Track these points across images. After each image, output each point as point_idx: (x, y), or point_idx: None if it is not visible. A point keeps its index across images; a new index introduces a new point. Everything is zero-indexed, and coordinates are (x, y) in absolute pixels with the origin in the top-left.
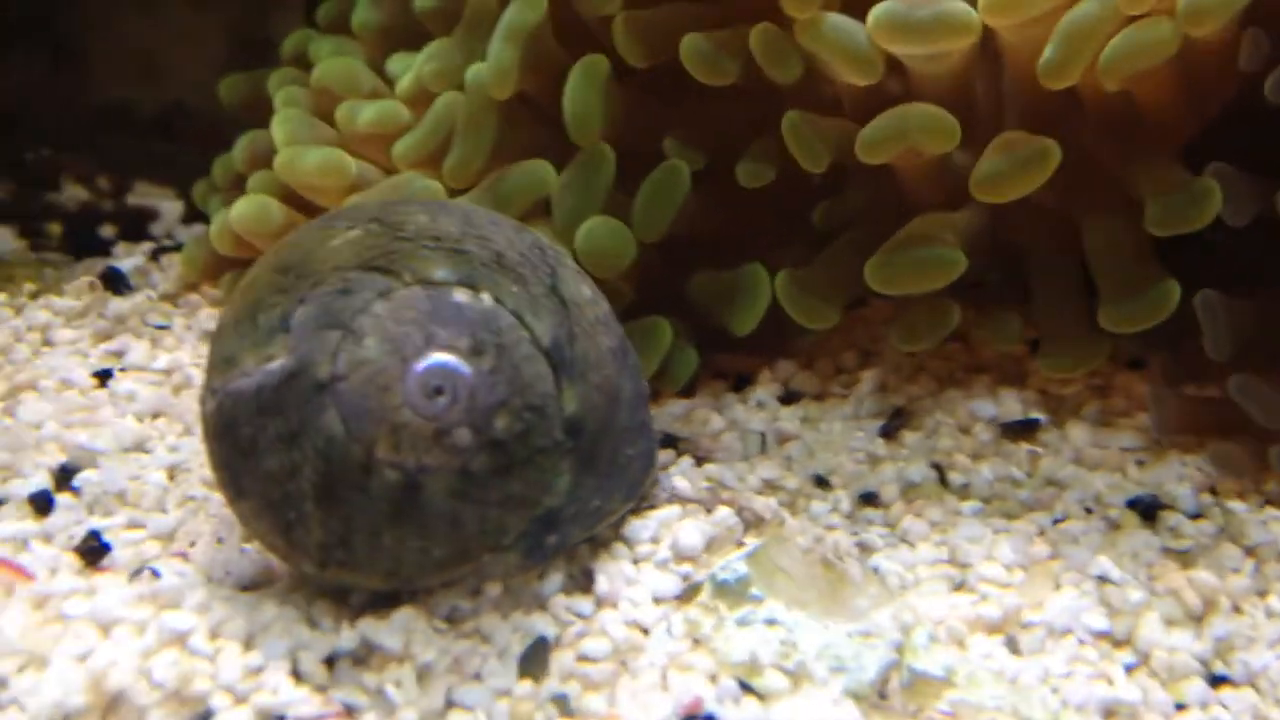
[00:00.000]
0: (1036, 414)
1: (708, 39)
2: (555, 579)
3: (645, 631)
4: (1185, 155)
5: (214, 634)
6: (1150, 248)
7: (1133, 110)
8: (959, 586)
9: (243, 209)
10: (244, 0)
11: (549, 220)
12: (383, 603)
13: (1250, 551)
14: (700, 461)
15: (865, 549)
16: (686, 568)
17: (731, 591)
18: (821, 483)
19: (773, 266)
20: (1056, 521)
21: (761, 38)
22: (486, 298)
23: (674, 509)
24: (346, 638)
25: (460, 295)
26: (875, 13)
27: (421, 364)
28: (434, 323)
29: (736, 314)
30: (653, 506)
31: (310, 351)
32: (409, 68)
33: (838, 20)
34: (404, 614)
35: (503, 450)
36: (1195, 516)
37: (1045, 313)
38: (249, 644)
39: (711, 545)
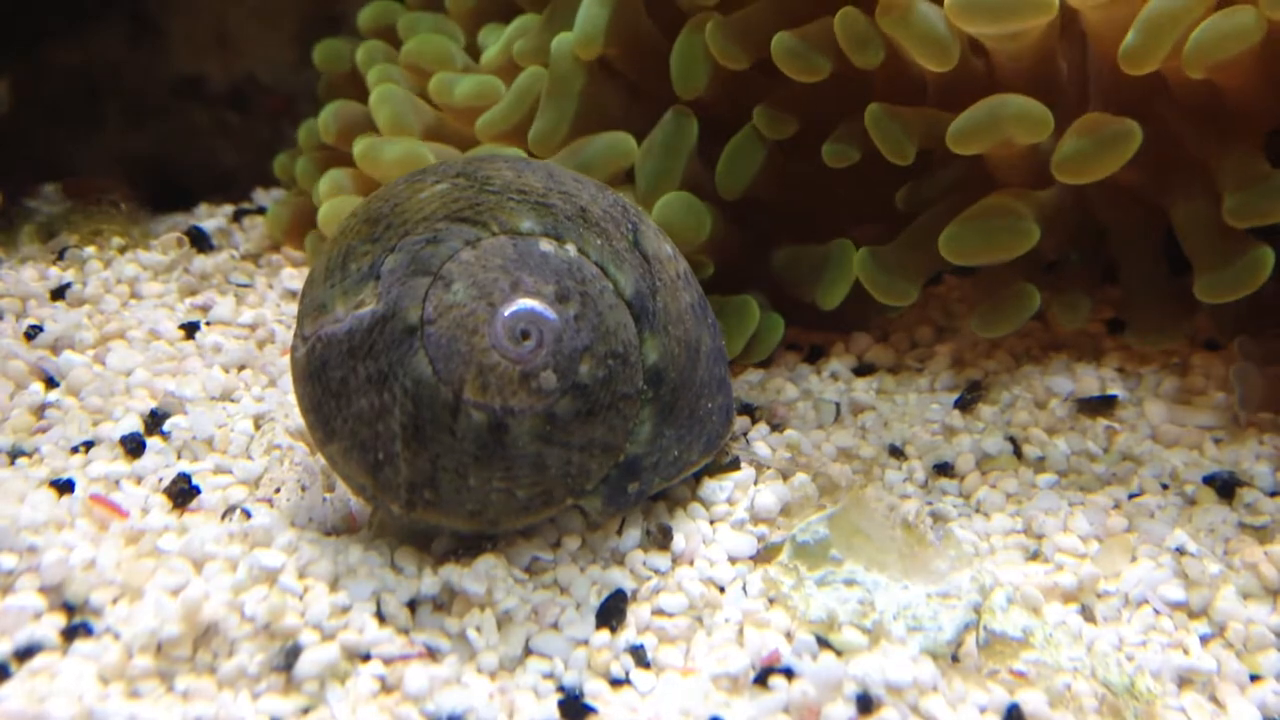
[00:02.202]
0: (1114, 390)
1: (797, 36)
2: (633, 535)
3: (721, 589)
4: (1268, 141)
5: (302, 573)
6: None
7: (1216, 96)
8: (1034, 556)
9: (330, 208)
10: None
11: (630, 188)
12: (465, 551)
13: None
14: (775, 428)
15: (939, 518)
16: (763, 529)
17: (811, 552)
18: (896, 452)
19: (855, 242)
20: (1132, 496)
21: (844, 23)
22: (571, 249)
23: (750, 471)
24: (429, 583)
25: (546, 245)
26: None
27: (509, 308)
28: (521, 270)
29: (824, 288)
30: (731, 468)
31: (400, 297)
32: (498, 39)
33: (919, 6)
34: (485, 562)
35: (586, 395)
36: (1273, 494)
37: (1130, 289)
38: (335, 585)
39: (787, 509)
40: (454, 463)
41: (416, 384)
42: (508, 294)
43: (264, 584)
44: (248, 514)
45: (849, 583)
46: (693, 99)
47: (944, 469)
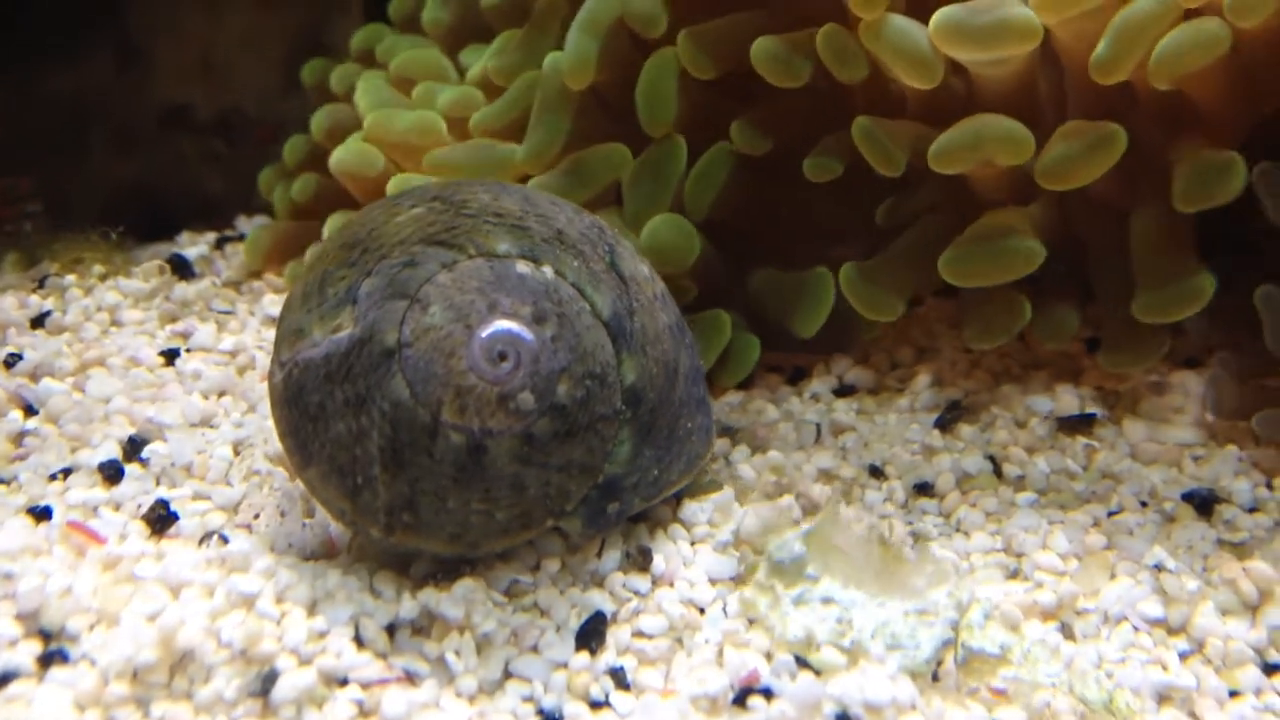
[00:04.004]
0: (1093, 409)
1: (779, 41)
2: (613, 557)
3: (701, 610)
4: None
5: (280, 598)
6: (1190, 241)
7: (1186, 107)
8: (1014, 574)
9: (344, 152)
10: (307, 3)
11: (619, 210)
12: (443, 575)
13: None
14: (757, 450)
15: (920, 537)
16: (743, 550)
17: (787, 570)
18: (876, 473)
19: (834, 261)
20: (1112, 514)
21: (827, 39)
22: (548, 270)
23: (730, 492)
24: (408, 607)
25: (523, 267)
26: (937, 17)
27: (486, 330)
28: (497, 291)
29: (801, 316)
30: (711, 489)
31: (377, 320)
32: (480, 59)
33: (901, 23)
34: (464, 586)
35: (565, 415)
36: (1251, 510)
37: (1105, 308)
38: (313, 609)
39: (768, 529)
40: (433, 485)
41: (394, 407)
42: (485, 316)
43: (241, 609)
44: (225, 539)
45: (826, 600)
46: (663, 133)
47: (924, 489)
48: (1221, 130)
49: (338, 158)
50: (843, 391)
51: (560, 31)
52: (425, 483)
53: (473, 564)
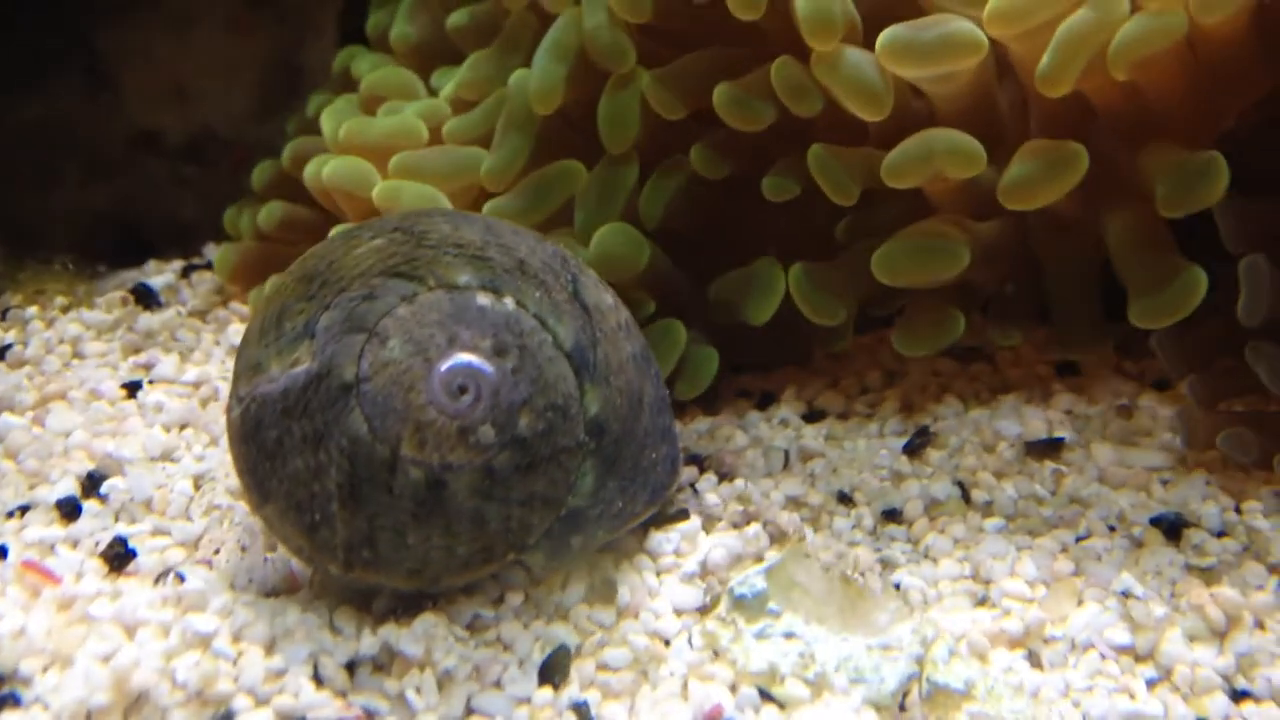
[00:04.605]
0: (1062, 433)
1: (738, 87)
2: (577, 589)
3: (666, 642)
4: None
5: (237, 637)
6: (1171, 241)
7: (1147, 115)
8: (981, 602)
9: (337, 166)
10: (280, 27)
11: (571, 230)
12: (405, 609)
13: (1274, 569)
14: (724, 478)
15: (888, 565)
16: (710, 581)
17: (749, 606)
18: (845, 499)
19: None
20: (1080, 539)
21: (781, 73)
22: (509, 302)
23: (697, 522)
24: (368, 643)
25: (483, 299)
26: (883, 37)
27: (445, 363)
28: (457, 324)
29: (752, 304)
30: (678, 519)
31: (335, 354)
32: (451, 79)
33: (853, 57)
34: (426, 621)
35: (526, 448)
36: (1220, 534)
37: (1062, 322)
38: (271, 648)
39: (735, 560)
40: (392, 521)
41: (353, 442)
42: (444, 349)
43: (197, 649)
44: (181, 578)
45: (788, 635)
46: (624, 151)
47: (892, 515)
48: (1183, 139)
49: (331, 170)
50: (812, 417)
51: (530, 47)
52: (384, 518)
53: (434, 599)
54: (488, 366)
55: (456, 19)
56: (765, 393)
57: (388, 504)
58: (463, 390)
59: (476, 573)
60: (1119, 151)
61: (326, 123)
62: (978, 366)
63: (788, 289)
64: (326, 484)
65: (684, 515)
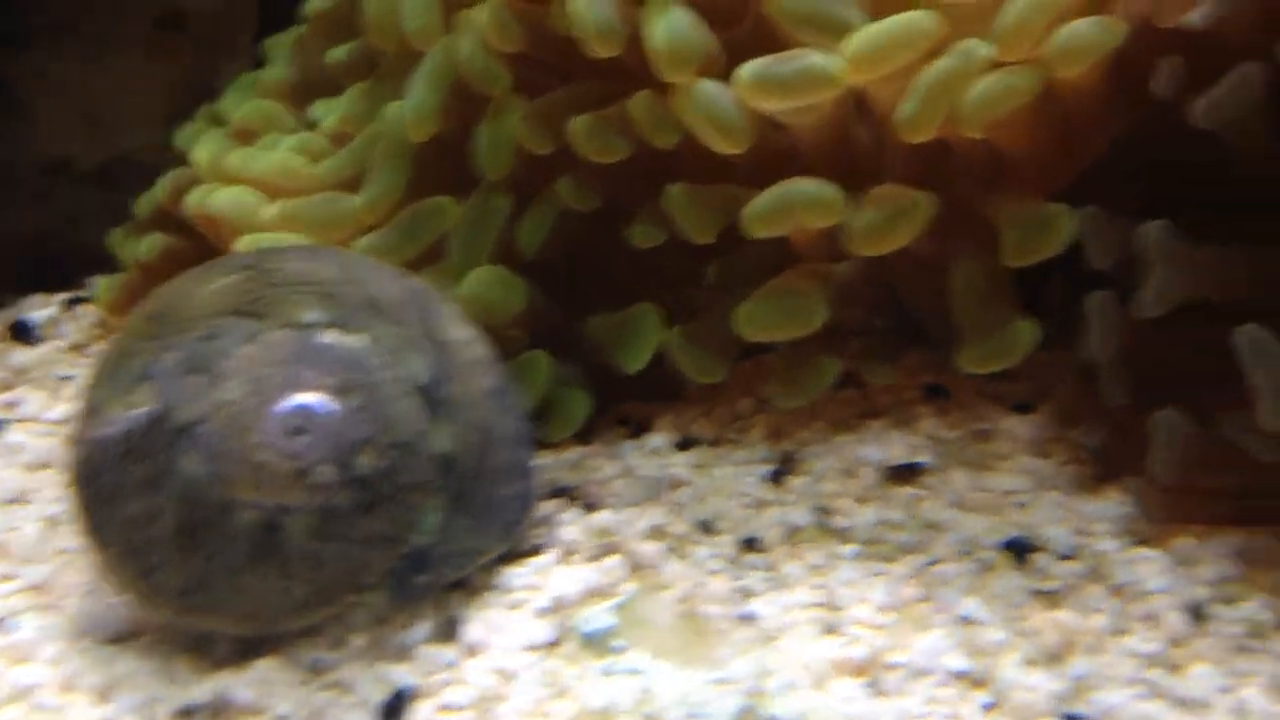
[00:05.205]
0: (923, 458)
1: (595, 119)
2: (422, 628)
3: (510, 680)
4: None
5: (68, 687)
6: (1009, 290)
7: (1003, 159)
8: (831, 630)
9: (225, 196)
10: (194, 51)
11: (443, 264)
12: (246, 654)
13: (1115, 591)
14: (589, 509)
15: (745, 593)
16: (562, 617)
17: (596, 642)
18: (707, 528)
19: (672, 310)
20: (932, 564)
21: (639, 106)
22: (357, 338)
23: (553, 555)
24: (202, 690)
25: (329, 336)
26: (741, 70)
27: (283, 404)
28: (299, 364)
29: (627, 352)
30: (532, 553)
31: (173, 396)
32: (331, 111)
33: (707, 88)
34: (264, 665)
35: (367, 487)
36: (1066, 557)
37: (928, 355)
38: (104, 696)
39: (590, 594)
40: (227, 564)
41: (188, 485)
42: (283, 389)
43: (19, 703)
44: (12, 628)
45: (632, 672)
46: (500, 179)
47: (752, 543)
48: (1039, 183)
49: (215, 202)
50: (685, 444)
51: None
52: (219, 561)
53: (275, 641)
54: (328, 405)
55: (335, 55)
56: (640, 421)
57: (223, 547)
58: (301, 430)
59: (315, 615)
60: (974, 194)
61: (201, 153)
62: (848, 392)
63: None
64: (163, 527)
65: (539, 550)
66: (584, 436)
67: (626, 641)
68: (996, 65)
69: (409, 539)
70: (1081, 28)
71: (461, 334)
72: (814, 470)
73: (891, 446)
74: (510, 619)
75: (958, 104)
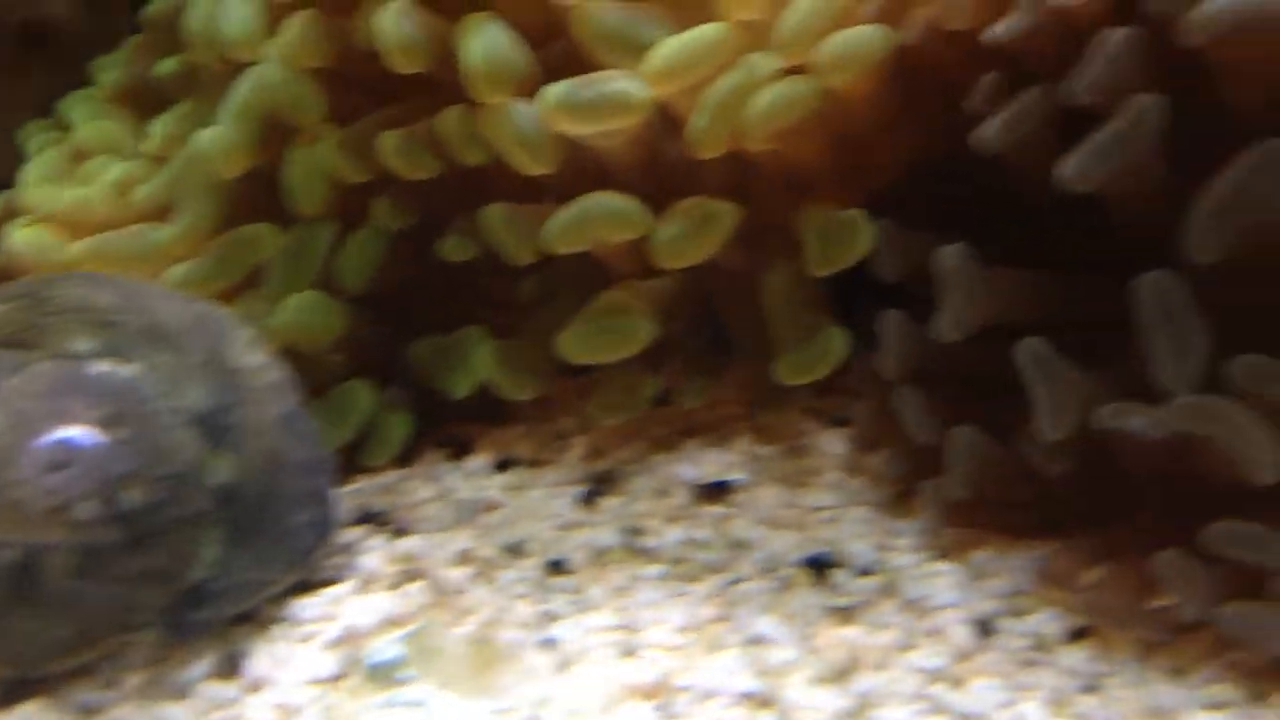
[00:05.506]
0: (737, 475)
1: (405, 135)
2: (202, 664)
3: (292, 715)
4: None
5: None
6: (820, 299)
7: (798, 172)
8: (628, 653)
9: (22, 237)
10: (54, 70)
11: (260, 291)
12: (9, 697)
13: (907, 606)
14: (398, 534)
15: (549, 618)
16: (351, 648)
17: (381, 674)
18: (516, 551)
19: (495, 328)
20: (734, 583)
21: (447, 123)
22: (132, 368)
23: (352, 584)
24: None
25: (101, 366)
26: (543, 94)
27: (44, 438)
28: (65, 395)
29: (452, 377)
30: (329, 582)
31: None
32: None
33: (516, 110)
34: (29, 708)
35: (134, 522)
36: (865, 573)
37: (748, 374)
38: None
39: (385, 623)
40: None
41: None
42: (46, 422)
43: None
44: None
45: (413, 704)
46: (317, 212)
47: (559, 566)
48: (835, 195)
49: (14, 241)
50: (503, 465)
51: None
52: None
53: (43, 682)
54: (94, 438)
55: (164, 67)
56: (464, 442)
57: None
58: (60, 465)
59: (80, 656)
60: (779, 207)
61: (31, 173)
62: (670, 410)
63: None
64: None
65: (337, 579)
66: (406, 459)
67: (415, 672)
68: (782, 77)
69: (185, 574)
70: (850, 35)
71: (254, 360)
72: (629, 490)
73: (707, 464)
74: (297, 652)
75: (742, 117)
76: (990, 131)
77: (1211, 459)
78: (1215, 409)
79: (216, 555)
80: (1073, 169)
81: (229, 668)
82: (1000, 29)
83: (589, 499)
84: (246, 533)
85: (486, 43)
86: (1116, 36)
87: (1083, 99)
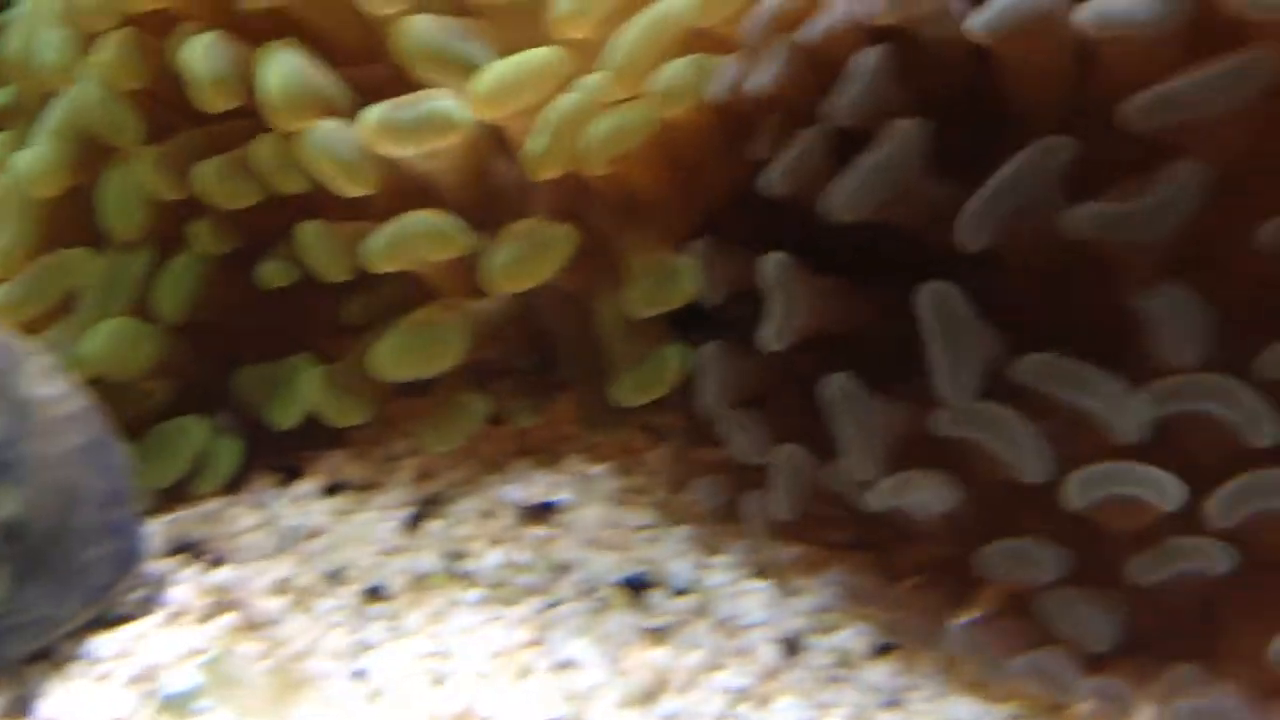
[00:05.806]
0: (564, 495)
1: (222, 163)
2: None
3: None
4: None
5: None
6: (655, 318)
7: (633, 196)
8: (439, 681)
9: None
10: None
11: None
12: None
13: (718, 625)
14: (214, 564)
15: (363, 646)
16: (151, 684)
17: (176, 705)
18: (336, 578)
19: (322, 353)
20: (552, 605)
21: (261, 152)
22: None
23: (158, 618)
24: None
25: None
26: (363, 116)
27: None
28: None
29: (276, 407)
30: (133, 617)
31: None
32: None
33: (326, 131)
34: None
35: None
36: (681, 592)
37: (579, 396)
38: None
39: (189, 657)
40: None
41: None
42: None
43: None
44: None
45: None
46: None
47: (377, 592)
48: (667, 221)
49: None
50: (332, 490)
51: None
52: None
53: None
54: None
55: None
56: (294, 467)
57: None
58: None
59: None
60: (612, 230)
61: None
62: (503, 429)
63: None
64: None
65: (143, 613)
66: (235, 485)
67: (211, 701)
68: (619, 101)
69: None
70: (679, 67)
71: (48, 391)
72: (454, 513)
73: (535, 485)
74: (94, 690)
75: (581, 141)
76: (775, 176)
77: (993, 466)
78: (985, 414)
79: (3, 593)
80: (838, 202)
81: (19, 709)
82: (750, 84)
83: (414, 522)
84: (36, 568)
85: (281, 69)
86: (868, 58)
87: (845, 122)
